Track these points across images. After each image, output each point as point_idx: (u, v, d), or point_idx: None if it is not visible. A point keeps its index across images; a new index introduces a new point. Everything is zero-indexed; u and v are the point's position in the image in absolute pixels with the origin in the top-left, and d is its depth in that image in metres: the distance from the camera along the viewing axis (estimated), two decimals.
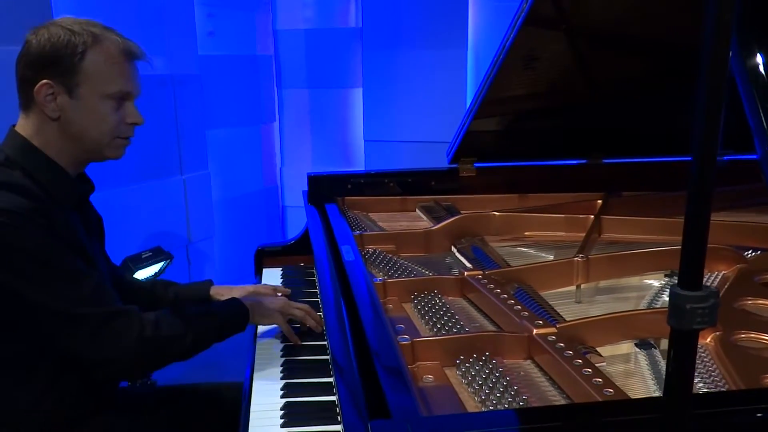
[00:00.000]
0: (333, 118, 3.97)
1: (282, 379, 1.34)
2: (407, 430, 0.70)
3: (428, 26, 3.48)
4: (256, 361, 1.43)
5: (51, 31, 1.18)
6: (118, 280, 1.52)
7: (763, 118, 0.97)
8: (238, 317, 1.40)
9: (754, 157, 1.03)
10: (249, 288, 1.66)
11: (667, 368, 0.57)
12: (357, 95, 3.84)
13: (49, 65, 1.18)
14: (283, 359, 1.43)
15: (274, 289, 1.67)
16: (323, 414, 1.19)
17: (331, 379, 1.31)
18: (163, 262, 2.35)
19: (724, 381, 0.97)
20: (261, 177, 3.99)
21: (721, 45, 0.50)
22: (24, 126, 1.23)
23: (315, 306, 1.68)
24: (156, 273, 2.24)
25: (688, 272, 0.54)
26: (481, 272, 1.37)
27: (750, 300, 1.20)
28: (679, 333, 0.55)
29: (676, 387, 0.56)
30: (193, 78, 3.31)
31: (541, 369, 1.05)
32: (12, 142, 1.22)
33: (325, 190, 2.02)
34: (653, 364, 1.06)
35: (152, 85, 2.91)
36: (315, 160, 4.03)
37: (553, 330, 1.08)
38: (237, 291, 1.61)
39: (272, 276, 1.91)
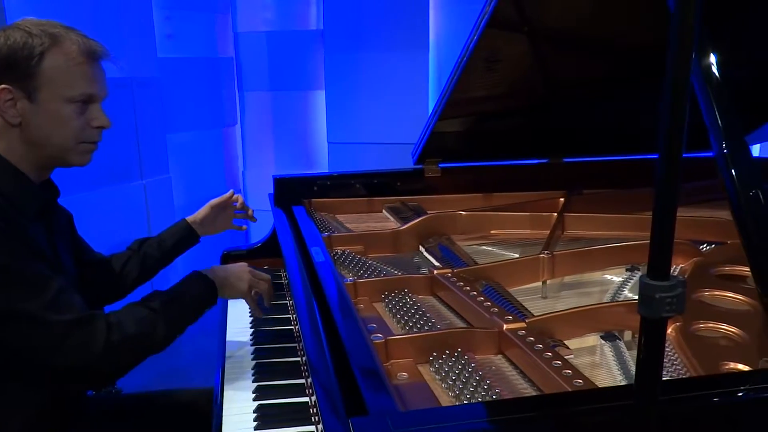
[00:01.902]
0: (295, 120, 3.96)
1: (254, 382, 1.34)
2: (387, 425, 0.71)
3: (390, 28, 3.51)
4: (227, 366, 1.43)
5: (8, 34, 1.15)
6: (100, 263, 1.55)
7: (717, 117, 1.02)
8: (207, 295, 1.36)
9: (709, 154, 1.08)
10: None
11: (638, 355, 0.60)
12: (319, 97, 3.84)
13: (7, 70, 1.14)
14: (254, 362, 1.43)
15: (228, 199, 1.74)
16: (297, 415, 1.20)
17: (302, 381, 1.32)
18: None
19: (685, 369, 1.01)
20: (223, 181, 3.95)
21: (685, 46, 0.52)
22: None
23: (284, 310, 1.69)
24: None
25: (656, 263, 0.57)
26: (450, 270, 1.39)
27: (707, 291, 1.25)
28: (648, 321, 0.57)
29: (646, 373, 0.59)
30: (153, 81, 3.26)
31: (511, 363, 1.08)
32: None
33: (291, 192, 2.01)
34: (618, 355, 1.10)
35: (110, 88, 2.86)
36: (278, 163, 4.01)
37: (522, 325, 1.11)
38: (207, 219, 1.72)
39: None
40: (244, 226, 1.89)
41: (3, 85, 1.14)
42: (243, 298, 1.44)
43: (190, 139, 3.68)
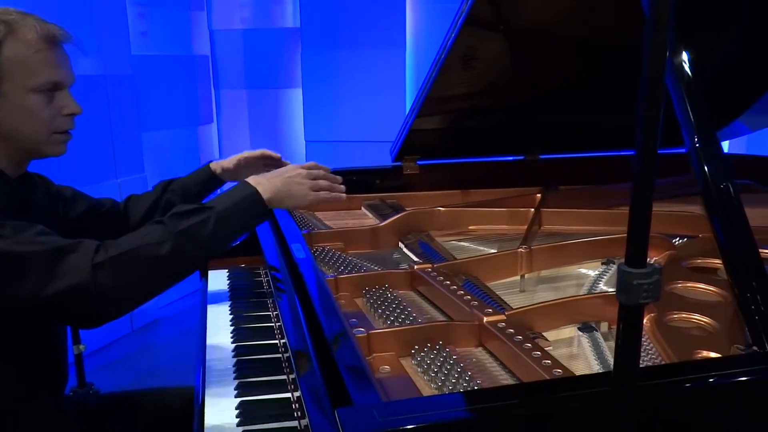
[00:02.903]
0: (272, 118, 3.95)
1: (235, 378, 1.34)
2: (373, 415, 0.72)
3: (367, 26, 3.52)
4: (208, 362, 1.42)
5: None
6: (118, 219, 1.52)
7: (690, 113, 1.05)
8: (247, 205, 1.19)
9: (680, 150, 1.11)
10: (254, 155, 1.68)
11: (616, 341, 0.62)
12: (296, 95, 3.84)
13: None
14: (235, 359, 1.43)
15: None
16: (279, 411, 1.20)
17: (284, 377, 1.32)
18: None
19: (660, 358, 1.04)
20: None
21: (659, 44, 0.54)
22: None
23: (264, 307, 1.69)
24: None
25: (634, 251, 0.59)
26: (430, 265, 1.40)
27: (680, 284, 1.28)
28: (627, 308, 0.59)
29: (625, 358, 0.61)
30: (127, 78, 3.23)
31: (492, 355, 1.10)
32: None
33: None
34: (595, 345, 1.13)
35: (84, 85, 2.82)
36: None
37: (502, 317, 1.13)
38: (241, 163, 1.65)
39: (218, 278, 1.89)
40: None
41: None
42: (303, 205, 1.32)
43: (165, 137, 3.65)
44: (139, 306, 1.12)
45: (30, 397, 1.23)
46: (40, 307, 1.04)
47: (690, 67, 1.08)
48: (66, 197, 1.45)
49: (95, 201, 1.51)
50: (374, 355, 1.08)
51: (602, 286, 1.37)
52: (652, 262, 1.43)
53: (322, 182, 1.33)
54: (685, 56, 1.09)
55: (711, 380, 0.87)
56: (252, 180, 1.24)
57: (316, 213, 1.97)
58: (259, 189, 1.22)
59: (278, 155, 1.75)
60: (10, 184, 1.19)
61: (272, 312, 1.62)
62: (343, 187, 1.38)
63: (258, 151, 1.72)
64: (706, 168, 1.04)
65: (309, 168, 1.34)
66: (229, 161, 1.68)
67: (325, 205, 1.62)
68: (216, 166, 1.67)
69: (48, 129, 1.16)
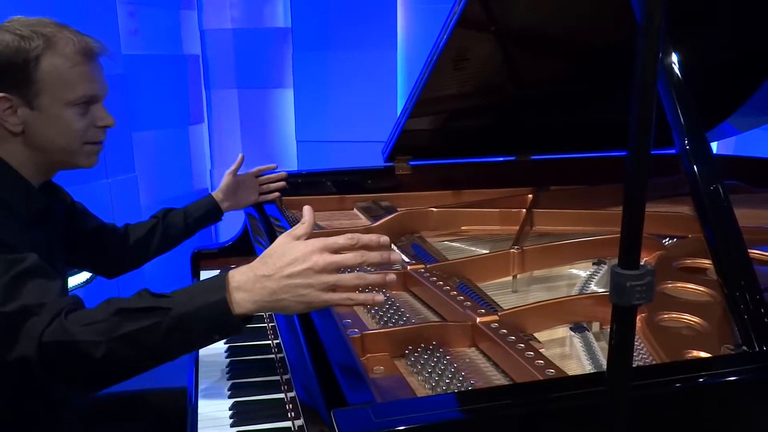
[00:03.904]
0: (263, 118, 3.94)
1: (229, 379, 1.34)
2: (368, 415, 0.73)
3: (358, 27, 3.52)
4: (201, 363, 1.42)
5: None
6: (117, 232, 1.56)
7: (680, 115, 1.06)
8: (208, 313, 0.88)
9: (669, 152, 1.12)
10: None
11: (609, 342, 0.62)
12: (287, 95, 3.83)
13: (2, 78, 1.09)
14: (229, 360, 1.43)
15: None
16: (272, 411, 1.20)
17: (278, 377, 1.32)
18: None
19: (651, 357, 1.05)
20: (190, 180, 3.90)
21: (652, 44, 0.55)
22: None
23: None
24: (86, 280, 2.16)
25: (627, 253, 0.59)
26: (423, 266, 1.41)
27: (670, 284, 1.29)
28: (620, 309, 0.60)
29: (618, 358, 0.61)
30: (117, 78, 3.20)
31: (485, 355, 1.10)
32: None
33: None
34: (587, 345, 1.14)
35: None
36: (246, 161, 3.96)
37: (495, 318, 1.13)
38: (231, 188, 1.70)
39: None
40: (275, 194, 1.87)
41: (0, 94, 1.09)
42: (312, 310, 0.95)
43: (155, 137, 3.63)
44: (89, 394, 1.06)
45: (29, 401, 1.23)
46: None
47: (679, 68, 1.09)
48: (79, 212, 1.48)
49: (100, 221, 1.55)
50: (368, 355, 1.08)
51: (593, 287, 1.38)
52: (642, 263, 1.46)
53: (348, 277, 0.90)
54: (674, 57, 1.10)
55: (702, 380, 0.88)
56: (234, 280, 0.90)
57: None
58: (236, 298, 0.88)
59: (273, 165, 1.76)
60: (32, 192, 1.18)
61: (264, 312, 1.62)
62: (393, 276, 0.96)
63: (253, 170, 1.78)
64: (696, 168, 1.05)
65: (333, 248, 0.89)
66: (221, 185, 1.73)
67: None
68: (216, 194, 1.72)
69: (81, 140, 1.17)
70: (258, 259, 0.91)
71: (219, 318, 0.88)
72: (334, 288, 0.88)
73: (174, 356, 0.92)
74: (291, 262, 0.87)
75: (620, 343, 0.61)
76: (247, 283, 0.88)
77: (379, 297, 0.92)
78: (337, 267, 0.87)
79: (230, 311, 0.88)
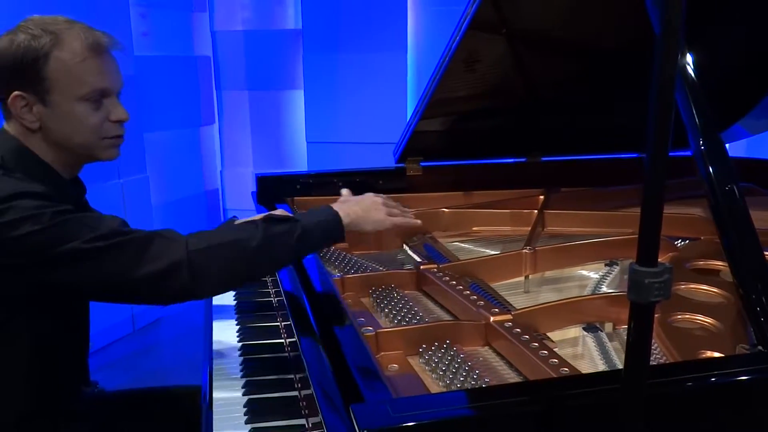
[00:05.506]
0: (274, 119, 3.96)
1: (243, 377, 1.35)
2: (386, 410, 0.74)
3: (368, 29, 3.53)
4: (215, 362, 1.43)
5: (12, 39, 1.11)
6: None
7: (695, 116, 1.06)
8: (326, 226, 1.26)
9: (684, 153, 1.13)
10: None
11: (627, 339, 0.63)
12: (298, 97, 3.85)
13: (15, 76, 1.11)
14: (242, 358, 1.44)
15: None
16: (287, 409, 1.21)
17: (291, 375, 1.33)
18: None
19: (665, 358, 1.06)
20: (201, 180, 3.93)
21: (671, 46, 0.56)
22: (13, 128, 1.17)
23: (269, 307, 1.70)
24: None
25: (645, 251, 0.60)
26: (435, 266, 1.41)
27: (683, 285, 1.29)
28: (638, 306, 0.61)
29: (635, 355, 0.62)
30: (129, 79, 3.22)
31: (498, 354, 1.11)
32: (4, 144, 1.15)
33: (273, 190, 2.02)
34: (600, 345, 1.14)
35: None
36: (256, 162, 4.00)
37: (509, 317, 1.14)
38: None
39: None
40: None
41: (15, 92, 1.12)
42: (381, 228, 1.37)
43: (167, 138, 3.66)
44: (225, 292, 1.27)
45: (51, 395, 1.24)
46: (129, 288, 1.11)
47: (694, 70, 1.10)
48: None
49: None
50: (382, 353, 1.09)
51: (605, 288, 1.38)
52: None
53: (395, 210, 1.40)
54: (689, 58, 1.10)
55: (718, 379, 0.89)
56: (334, 206, 1.31)
57: None
58: (341, 213, 1.28)
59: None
60: (66, 185, 1.21)
61: (277, 311, 1.64)
62: (413, 216, 1.46)
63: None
64: (711, 170, 1.05)
65: (387, 202, 1.40)
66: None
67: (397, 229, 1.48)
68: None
69: (97, 135, 1.18)
70: (346, 200, 1.38)
71: (333, 228, 1.27)
72: (390, 214, 1.37)
73: (293, 259, 1.26)
74: (365, 200, 1.37)
75: (637, 341, 0.62)
76: (345, 208, 1.31)
77: (416, 221, 1.45)
78: (390, 207, 1.39)
79: (341, 223, 1.27)
